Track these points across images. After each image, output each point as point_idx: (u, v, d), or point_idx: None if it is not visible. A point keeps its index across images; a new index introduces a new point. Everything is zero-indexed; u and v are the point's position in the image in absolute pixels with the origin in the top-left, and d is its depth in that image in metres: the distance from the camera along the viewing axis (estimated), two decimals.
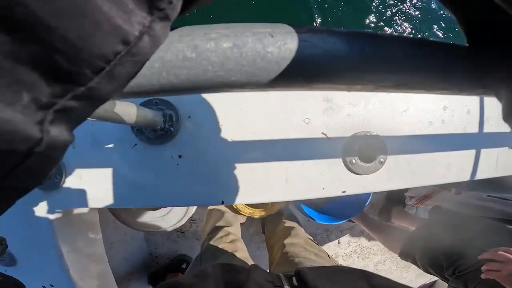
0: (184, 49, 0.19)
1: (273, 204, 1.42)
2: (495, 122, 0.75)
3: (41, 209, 0.69)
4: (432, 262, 1.13)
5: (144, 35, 0.15)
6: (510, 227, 1.04)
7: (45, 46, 0.12)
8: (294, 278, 0.54)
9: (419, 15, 2.72)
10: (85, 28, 0.12)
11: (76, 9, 0.12)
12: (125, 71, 0.15)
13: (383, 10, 2.57)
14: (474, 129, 0.73)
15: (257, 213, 1.40)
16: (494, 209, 1.23)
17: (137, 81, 0.19)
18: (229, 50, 0.19)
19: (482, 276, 0.86)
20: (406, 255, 1.28)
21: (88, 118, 0.37)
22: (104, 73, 0.14)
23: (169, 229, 1.21)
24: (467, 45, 0.25)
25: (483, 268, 0.86)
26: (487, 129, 0.74)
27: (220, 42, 0.19)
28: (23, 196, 0.17)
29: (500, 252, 0.84)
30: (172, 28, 0.20)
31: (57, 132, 0.15)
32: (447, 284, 1.08)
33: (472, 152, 0.74)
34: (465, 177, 0.74)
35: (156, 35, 0.15)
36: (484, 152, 0.75)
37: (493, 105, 0.74)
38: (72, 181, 0.67)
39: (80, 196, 0.67)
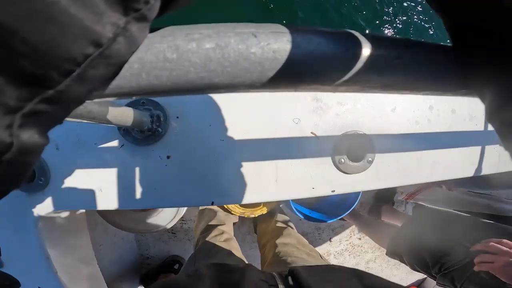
0: (165, 50, 0.18)
1: (264, 203, 1.42)
2: (479, 121, 0.76)
3: (26, 212, 0.68)
4: (418, 260, 1.14)
5: (118, 36, 0.14)
6: (492, 222, 1.06)
7: (7, 49, 0.12)
8: (289, 278, 0.54)
9: (405, 15, 2.76)
10: (49, 31, 0.12)
11: (38, 12, 0.12)
12: (99, 73, 0.15)
13: (371, 10, 2.59)
14: (459, 128, 0.75)
15: (249, 213, 1.40)
16: (481, 204, 1.25)
17: (116, 82, 0.18)
18: (211, 51, 0.19)
19: (475, 268, 0.86)
20: (393, 254, 1.29)
21: (72, 119, 0.37)
22: (75, 76, 0.14)
23: (160, 229, 1.20)
24: (451, 45, 0.26)
25: (476, 260, 0.86)
26: (471, 128, 0.76)
27: (202, 43, 0.19)
28: (1, 199, 0.17)
29: (492, 243, 0.84)
30: (154, 29, 0.19)
31: (27, 136, 0.14)
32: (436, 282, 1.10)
33: (457, 150, 0.75)
34: (451, 175, 0.75)
35: (133, 36, 0.15)
36: (468, 150, 0.76)
37: (477, 105, 0.76)
38: (57, 183, 0.65)
39: (65, 198, 0.66)
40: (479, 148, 0.77)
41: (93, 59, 0.14)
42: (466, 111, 0.75)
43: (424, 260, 1.09)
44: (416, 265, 1.15)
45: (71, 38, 0.13)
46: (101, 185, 0.64)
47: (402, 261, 1.25)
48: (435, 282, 1.10)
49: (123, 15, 0.14)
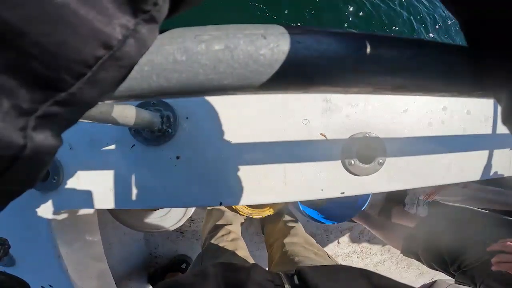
0: (175, 52, 0.18)
1: (272, 204, 1.42)
2: (494, 123, 0.74)
3: (39, 210, 0.69)
4: (436, 258, 1.11)
5: (128, 38, 0.14)
6: (510, 218, 1.03)
7: (20, 52, 0.12)
8: (295, 277, 0.54)
9: (419, 16, 2.71)
10: (60, 33, 0.12)
11: (48, 14, 0.12)
12: (110, 75, 0.15)
13: (382, 10, 2.55)
14: (474, 130, 0.73)
15: (256, 214, 1.39)
16: (499, 201, 1.22)
17: (126, 84, 0.18)
18: (220, 52, 0.19)
19: (493, 268, 0.84)
20: (408, 252, 1.26)
21: (84, 120, 0.37)
22: (86, 78, 0.14)
23: (169, 229, 1.21)
24: (467, 46, 0.25)
25: (493, 260, 0.84)
26: (486, 130, 0.74)
27: (211, 44, 0.19)
28: (15, 198, 0.17)
29: (509, 243, 0.83)
30: (163, 31, 0.19)
31: (41, 138, 0.15)
32: (450, 283, 1.07)
33: (472, 153, 0.73)
34: (465, 178, 0.73)
35: (142, 38, 0.15)
36: (483, 153, 0.74)
37: (493, 106, 0.74)
38: (70, 182, 0.66)
39: (78, 197, 0.67)
40: (494, 151, 0.75)
41: (104, 61, 0.14)
42: (481, 112, 0.73)
43: (442, 257, 1.07)
44: (434, 263, 1.13)
45: (81, 40, 0.13)
46: (112, 184, 0.65)
47: (418, 259, 1.22)
48: (446, 284, 1.08)
49: (132, 17, 0.14)
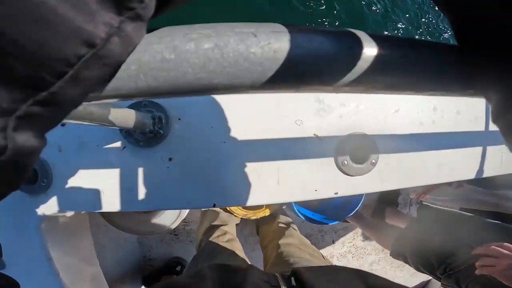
0: (163, 50, 0.18)
1: (267, 205, 1.41)
2: (484, 123, 0.75)
3: (28, 213, 0.68)
4: (423, 261, 1.13)
5: (112, 36, 0.14)
6: (498, 222, 1.04)
7: None
8: (292, 278, 0.54)
9: (410, 15, 2.74)
10: (39, 31, 0.12)
11: (27, 12, 0.11)
12: (94, 74, 0.14)
13: (374, 9, 2.58)
14: (464, 129, 0.74)
15: (251, 215, 1.39)
16: (490, 203, 1.24)
17: (113, 84, 0.18)
18: (210, 51, 0.18)
19: (477, 272, 0.85)
20: (397, 254, 1.28)
21: (73, 121, 0.36)
22: (68, 77, 0.13)
23: (163, 231, 1.19)
24: (457, 45, 0.25)
25: (477, 264, 0.85)
26: (476, 129, 0.75)
27: (200, 43, 0.18)
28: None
29: (493, 247, 0.84)
30: (151, 29, 0.19)
31: (23, 138, 0.14)
32: (440, 283, 1.09)
33: (463, 152, 0.74)
34: (456, 177, 0.74)
35: (128, 36, 0.15)
36: (474, 151, 0.75)
37: (483, 106, 0.75)
38: (60, 185, 0.65)
39: (68, 200, 0.66)
40: (484, 150, 0.76)
41: (86, 59, 0.13)
42: (471, 112, 0.74)
43: (429, 260, 1.08)
44: (421, 265, 1.14)
45: (62, 38, 0.12)
46: (103, 187, 0.64)
47: (406, 262, 1.23)
48: (440, 283, 1.09)
49: (116, 15, 0.14)
